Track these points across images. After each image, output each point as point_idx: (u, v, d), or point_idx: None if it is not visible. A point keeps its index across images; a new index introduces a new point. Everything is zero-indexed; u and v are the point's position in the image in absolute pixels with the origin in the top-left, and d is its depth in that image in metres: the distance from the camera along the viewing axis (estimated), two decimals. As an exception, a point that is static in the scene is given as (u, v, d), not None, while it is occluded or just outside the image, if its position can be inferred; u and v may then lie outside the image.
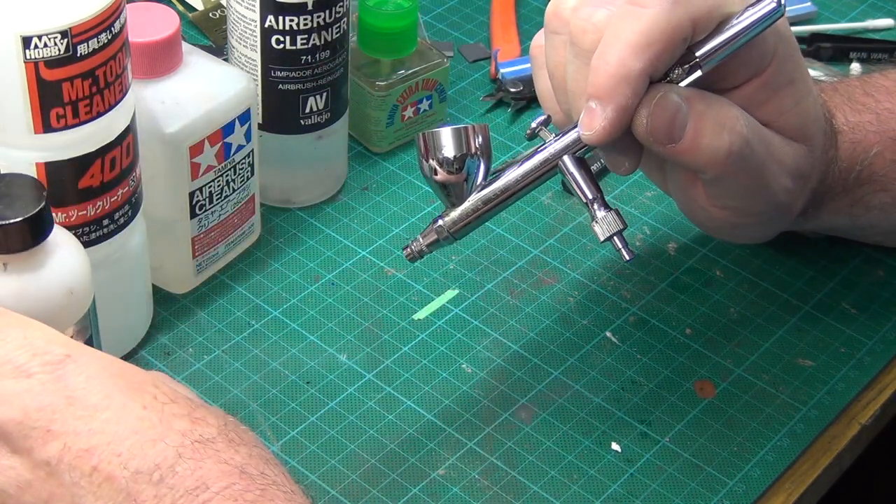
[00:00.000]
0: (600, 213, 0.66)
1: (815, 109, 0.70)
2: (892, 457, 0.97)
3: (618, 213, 0.66)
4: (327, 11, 0.78)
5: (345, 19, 0.80)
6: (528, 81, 0.94)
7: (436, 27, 1.00)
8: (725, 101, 0.66)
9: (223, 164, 0.76)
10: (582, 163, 0.67)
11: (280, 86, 0.80)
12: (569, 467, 0.71)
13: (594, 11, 0.65)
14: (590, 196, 0.66)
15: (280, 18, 0.77)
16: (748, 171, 0.67)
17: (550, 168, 0.67)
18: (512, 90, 0.93)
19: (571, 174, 0.66)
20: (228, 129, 0.75)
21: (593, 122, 0.64)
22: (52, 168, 0.65)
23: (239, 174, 0.77)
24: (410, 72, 0.87)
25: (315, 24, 0.78)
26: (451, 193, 0.67)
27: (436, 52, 0.89)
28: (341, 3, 0.78)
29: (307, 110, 0.81)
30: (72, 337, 0.63)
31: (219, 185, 0.76)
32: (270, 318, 0.78)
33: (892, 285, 0.82)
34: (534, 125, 0.68)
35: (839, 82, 0.78)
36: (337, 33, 0.79)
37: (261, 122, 0.81)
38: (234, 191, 0.78)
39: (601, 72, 0.63)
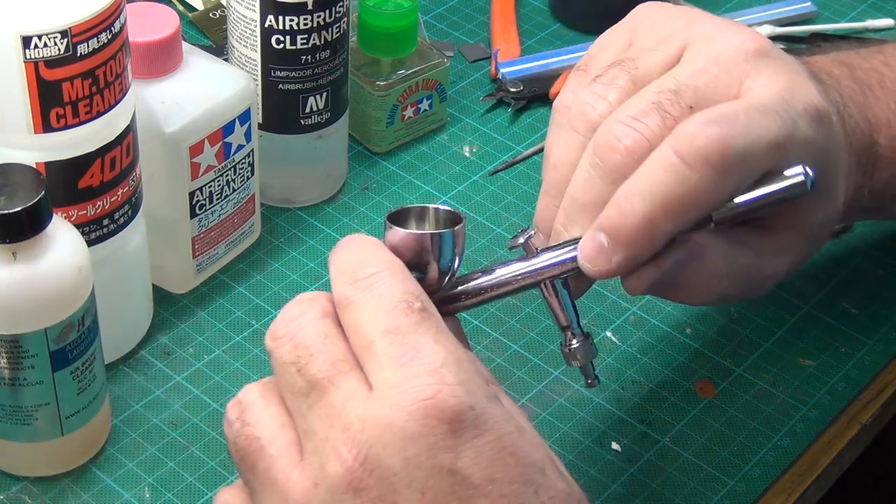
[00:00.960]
0: (575, 343, 0.62)
1: (836, 207, 0.66)
2: (892, 457, 0.97)
3: (591, 342, 0.63)
4: (327, 11, 0.78)
5: (345, 19, 0.80)
6: (528, 81, 0.94)
7: (436, 27, 1.00)
8: (720, 255, 0.62)
9: (223, 164, 0.76)
10: (563, 284, 0.61)
11: (280, 85, 0.80)
12: (569, 467, 0.70)
13: (628, 132, 0.60)
14: (564, 323, 0.62)
15: (280, 18, 0.77)
16: (728, 300, 0.68)
17: (529, 286, 0.61)
18: (512, 90, 0.93)
19: (549, 297, 0.62)
20: (228, 128, 0.75)
21: (598, 258, 0.59)
22: (51, 168, 0.65)
23: (239, 174, 0.77)
24: (410, 72, 0.87)
25: (315, 24, 0.78)
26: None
27: (436, 51, 0.89)
28: (341, 3, 0.78)
29: (307, 110, 0.81)
30: (79, 322, 0.63)
31: (219, 185, 0.76)
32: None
33: (892, 285, 0.82)
34: (521, 241, 0.61)
35: (878, 73, 0.71)
36: (337, 33, 0.79)
37: (261, 121, 0.81)
38: (234, 190, 0.78)
39: (626, 217, 0.58)
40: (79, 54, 0.62)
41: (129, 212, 0.70)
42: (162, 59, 0.73)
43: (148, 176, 0.73)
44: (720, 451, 0.72)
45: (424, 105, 0.89)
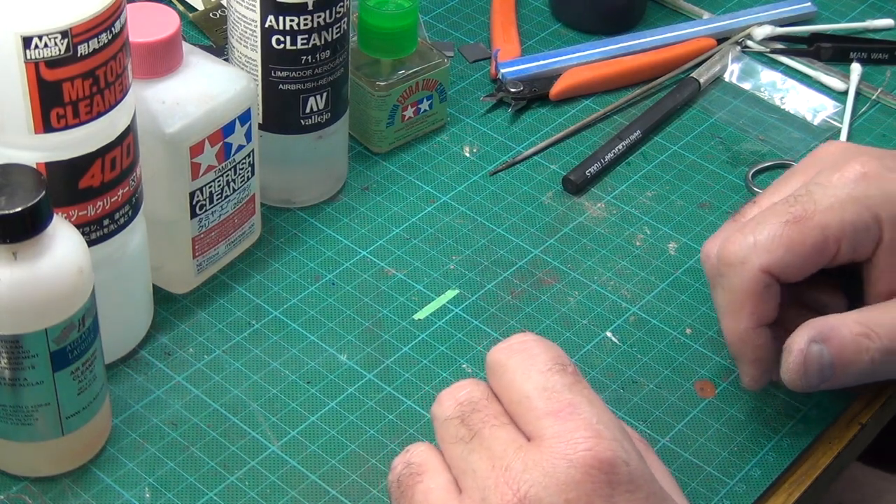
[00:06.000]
0: None
1: None
2: (892, 457, 0.97)
3: None
4: (328, 11, 0.78)
5: (345, 19, 0.80)
6: (528, 81, 0.94)
7: (436, 27, 1.00)
8: (857, 316, 0.67)
9: (223, 164, 0.76)
10: None
11: (280, 86, 0.80)
12: (569, 467, 0.71)
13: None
14: None
15: (280, 18, 0.77)
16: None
17: None
18: (512, 90, 0.93)
19: None
20: (229, 128, 0.75)
21: (742, 376, 0.71)
22: (52, 168, 0.65)
23: (239, 174, 0.77)
24: (411, 72, 0.87)
25: (315, 24, 0.78)
26: None
27: (436, 52, 0.89)
28: (342, 3, 0.78)
29: (307, 110, 0.81)
30: (80, 322, 0.63)
31: (219, 185, 0.76)
32: (271, 318, 0.78)
33: (892, 285, 0.82)
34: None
35: None
36: (337, 33, 0.79)
37: (261, 121, 0.81)
38: (234, 191, 0.78)
39: (725, 335, 0.70)
40: (79, 55, 0.62)
41: (130, 212, 0.70)
42: (162, 60, 0.73)
43: (148, 176, 0.73)
44: (720, 452, 0.72)
45: (424, 105, 0.89)
